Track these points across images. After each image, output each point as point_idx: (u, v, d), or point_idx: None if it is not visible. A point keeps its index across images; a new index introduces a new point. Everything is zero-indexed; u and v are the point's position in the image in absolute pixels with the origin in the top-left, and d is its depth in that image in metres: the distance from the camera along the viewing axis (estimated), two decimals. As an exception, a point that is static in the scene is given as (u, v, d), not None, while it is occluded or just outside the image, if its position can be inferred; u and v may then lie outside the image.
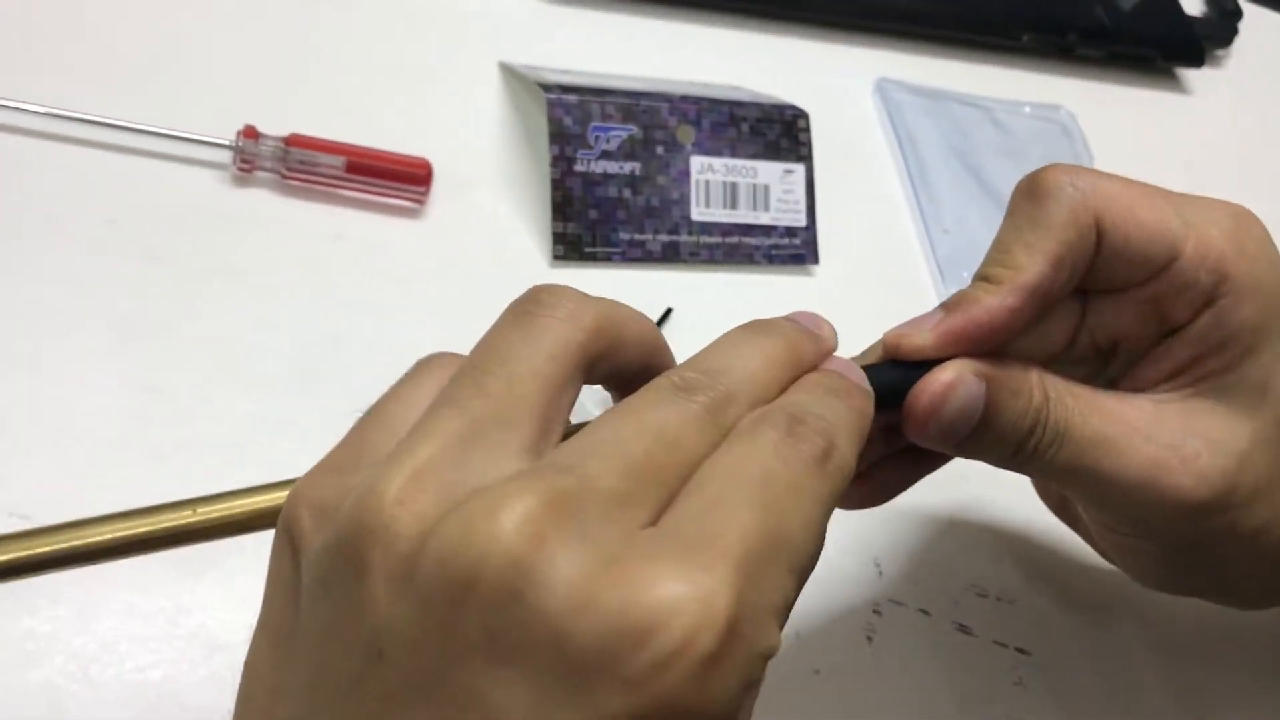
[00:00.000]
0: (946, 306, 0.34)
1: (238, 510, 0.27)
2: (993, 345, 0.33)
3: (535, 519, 0.21)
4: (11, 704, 0.35)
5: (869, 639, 0.44)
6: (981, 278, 0.34)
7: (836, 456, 0.26)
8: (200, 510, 0.27)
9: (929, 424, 0.33)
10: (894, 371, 0.33)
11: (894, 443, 0.37)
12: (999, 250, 0.34)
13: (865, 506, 0.39)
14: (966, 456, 0.35)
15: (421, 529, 0.22)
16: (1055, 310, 0.35)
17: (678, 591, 0.21)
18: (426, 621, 0.21)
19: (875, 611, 0.44)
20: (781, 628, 0.24)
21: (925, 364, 0.33)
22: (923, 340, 0.33)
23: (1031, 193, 0.34)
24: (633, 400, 0.26)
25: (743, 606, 0.21)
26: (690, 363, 0.27)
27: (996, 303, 0.33)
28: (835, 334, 0.31)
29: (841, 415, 0.27)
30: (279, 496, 0.26)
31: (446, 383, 0.25)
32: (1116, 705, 0.44)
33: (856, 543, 0.46)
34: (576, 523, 0.22)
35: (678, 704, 0.21)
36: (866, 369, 0.32)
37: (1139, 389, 0.36)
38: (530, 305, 0.26)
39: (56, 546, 0.27)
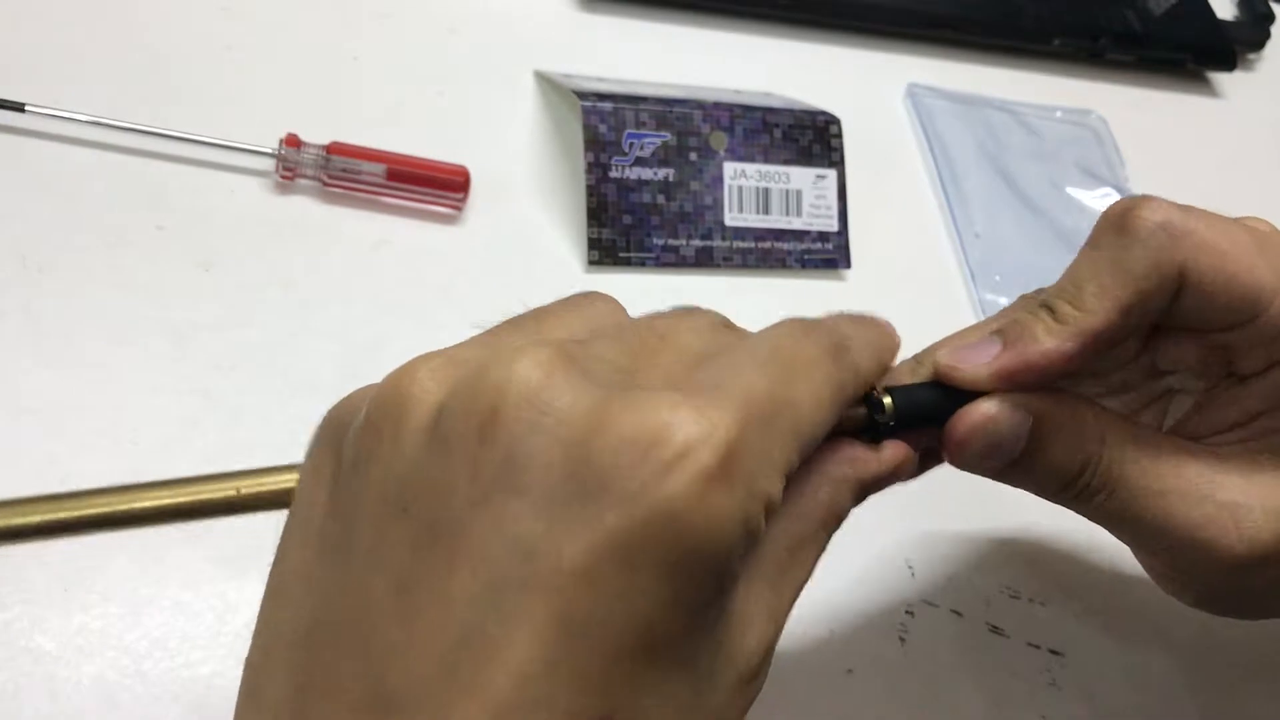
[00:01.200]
0: (1004, 337, 0.33)
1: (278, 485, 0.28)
2: (1045, 384, 0.33)
3: (549, 361, 0.22)
4: (66, 697, 0.36)
5: (902, 639, 0.44)
6: (1047, 307, 0.33)
7: (851, 355, 0.27)
8: (243, 487, 0.28)
9: (964, 453, 0.32)
10: (937, 392, 0.33)
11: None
12: (1072, 283, 0.33)
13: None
14: (1009, 484, 0.34)
15: (447, 388, 0.23)
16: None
17: (683, 414, 0.22)
18: (446, 467, 0.22)
19: (908, 612, 0.45)
20: (782, 486, 0.24)
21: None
22: (975, 375, 0.32)
23: (1120, 228, 0.32)
24: (648, 315, 0.28)
25: (744, 440, 0.22)
26: None
27: (1055, 346, 0.32)
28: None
29: (861, 332, 0.29)
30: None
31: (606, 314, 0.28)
32: (1150, 707, 0.44)
33: (889, 543, 0.47)
34: (585, 367, 0.23)
35: (676, 516, 0.21)
36: (911, 387, 0.32)
37: (1199, 433, 0.35)
38: (577, 296, 0.29)
39: (106, 509, 0.28)
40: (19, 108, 0.48)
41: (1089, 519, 0.36)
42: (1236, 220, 0.34)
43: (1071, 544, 0.49)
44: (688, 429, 0.21)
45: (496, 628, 0.21)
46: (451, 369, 0.23)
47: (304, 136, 0.50)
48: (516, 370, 0.22)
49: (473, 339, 0.26)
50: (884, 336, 0.30)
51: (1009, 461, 0.33)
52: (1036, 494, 0.35)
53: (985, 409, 0.32)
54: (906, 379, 0.33)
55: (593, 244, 0.52)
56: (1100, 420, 0.33)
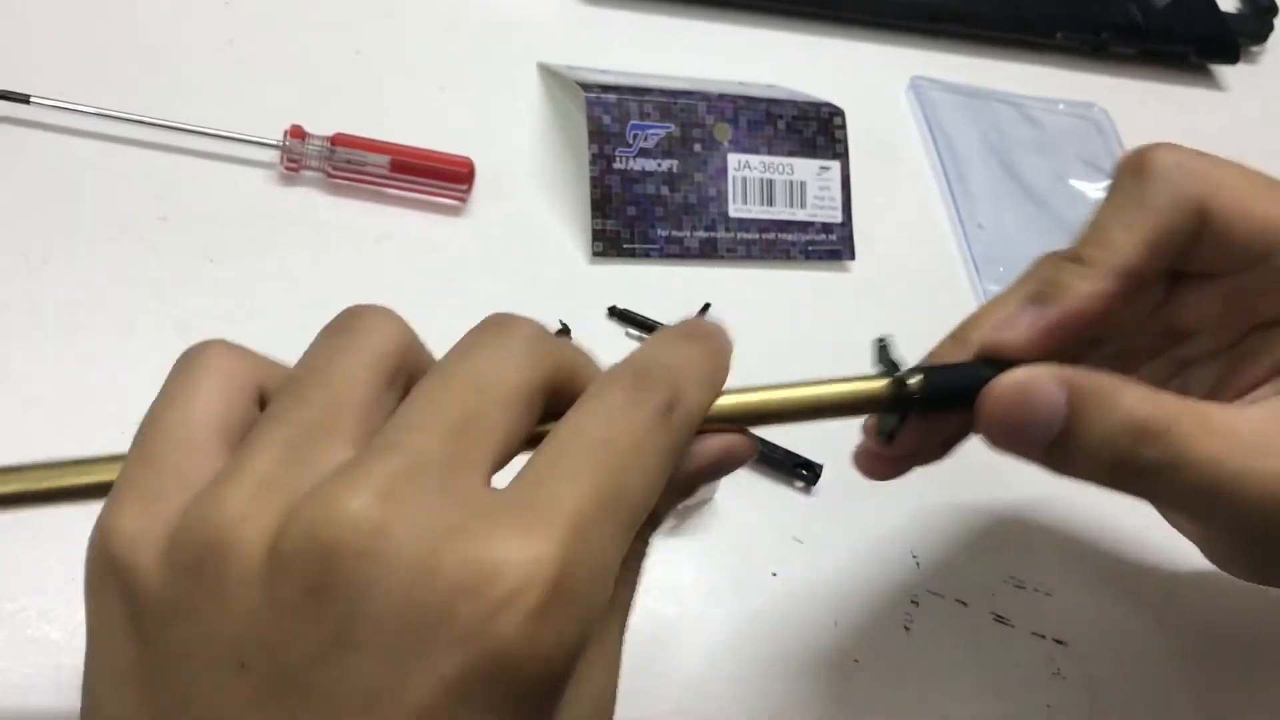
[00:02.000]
0: (1036, 299, 0.32)
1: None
2: (1090, 334, 0.32)
3: (372, 506, 0.22)
4: (73, 688, 0.35)
5: (907, 629, 0.44)
6: (1073, 258, 0.32)
7: (681, 407, 0.26)
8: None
9: (998, 429, 0.31)
10: (965, 371, 0.32)
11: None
12: (1095, 229, 0.33)
13: (888, 477, 0.37)
14: (1060, 473, 0.33)
15: (268, 538, 0.22)
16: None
17: (509, 551, 0.22)
18: (282, 625, 0.22)
19: (913, 602, 0.45)
20: (614, 582, 0.24)
21: (1001, 364, 0.32)
22: (1020, 340, 0.32)
23: (1138, 170, 0.33)
24: (443, 359, 0.26)
25: (571, 565, 0.22)
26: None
27: (1090, 288, 0.32)
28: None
29: (692, 360, 0.28)
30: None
31: (231, 392, 0.26)
32: (1155, 696, 0.44)
33: (894, 534, 0.47)
34: (411, 498, 0.22)
35: (507, 655, 0.21)
36: (937, 368, 0.32)
37: (1238, 391, 0.34)
38: (345, 321, 0.27)
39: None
40: (24, 99, 0.48)
41: (1157, 503, 0.35)
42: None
43: (1076, 534, 0.49)
44: (514, 569, 0.22)
45: None
46: (268, 508, 0.23)
47: (309, 128, 0.50)
48: (343, 524, 0.22)
49: (270, 431, 0.24)
50: (711, 357, 0.29)
51: (1049, 438, 0.31)
52: (1093, 481, 0.33)
53: (1014, 378, 0.31)
54: (949, 357, 0.33)
55: (597, 235, 0.52)
56: (1153, 394, 0.31)
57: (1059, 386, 0.31)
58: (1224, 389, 0.35)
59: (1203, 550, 0.39)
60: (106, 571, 0.24)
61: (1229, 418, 0.32)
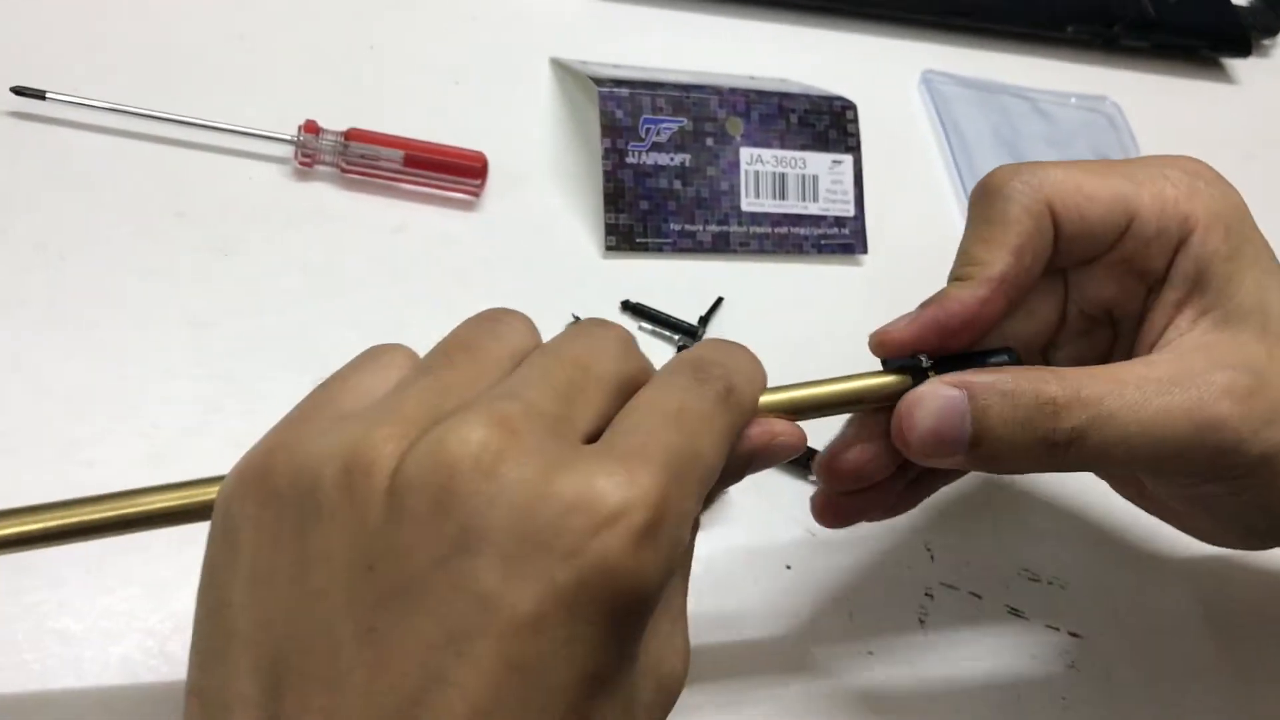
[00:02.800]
0: (923, 304, 0.37)
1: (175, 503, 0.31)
2: (972, 334, 0.36)
3: (492, 434, 0.25)
4: (93, 678, 0.36)
5: (921, 621, 0.44)
6: (955, 279, 0.37)
7: (736, 394, 0.30)
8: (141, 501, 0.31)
9: (910, 441, 0.34)
10: (977, 358, 0.36)
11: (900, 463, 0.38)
12: (963, 255, 0.37)
13: (875, 519, 0.41)
14: (997, 471, 0.36)
15: (405, 457, 0.25)
16: (1038, 292, 0.38)
17: (613, 481, 0.25)
18: (409, 532, 0.25)
19: (927, 594, 0.45)
20: (693, 533, 0.28)
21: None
22: (899, 333, 0.36)
23: (985, 196, 0.37)
24: (552, 341, 0.30)
25: (667, 498, 0.25)
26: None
27: (967, 294, 0.36)
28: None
29: (739, 362, 0.31)
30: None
31: (405, 361, 0.30)
32: (1170, 688, 0.44)
33: (908, 526, 0.47)
34: (526, 435, 0.25)
35: (611, 568, 0.24)
36: (951, 357, 0.35)
37: (1149, 347, 0.38)
38: (494, 314, 0.31)
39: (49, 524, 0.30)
40: (40, 95, 0.48)
41: (1100, 468, 0.38)
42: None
43: (1090, 526, 0.49)
44: (620, 493, 0.25)
45: (455, 669, 0.24)
46: (406, 434, 0.26)
47: (322, 123, 0.50)
48: (467, 446, 0.25)
49: (420, 381, 0.28)
50: (754, 363, 0.32)
51: (965, 438, 0.34)
52: (1031, 468, 0.36)
53: (913, 391, 0.35)
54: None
55: (610, 229, 0.52)
56: (1052, 374, 0.35)
57: (955, 387, 0.34)
58: (1140, 350, 0.38)
59: (1190, 531, 0.41)
60: (262, 485, 0.27)
61: (1136, 367, 0.35)
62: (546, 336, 0.31)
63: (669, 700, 0.29)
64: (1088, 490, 0.49)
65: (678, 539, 0.26)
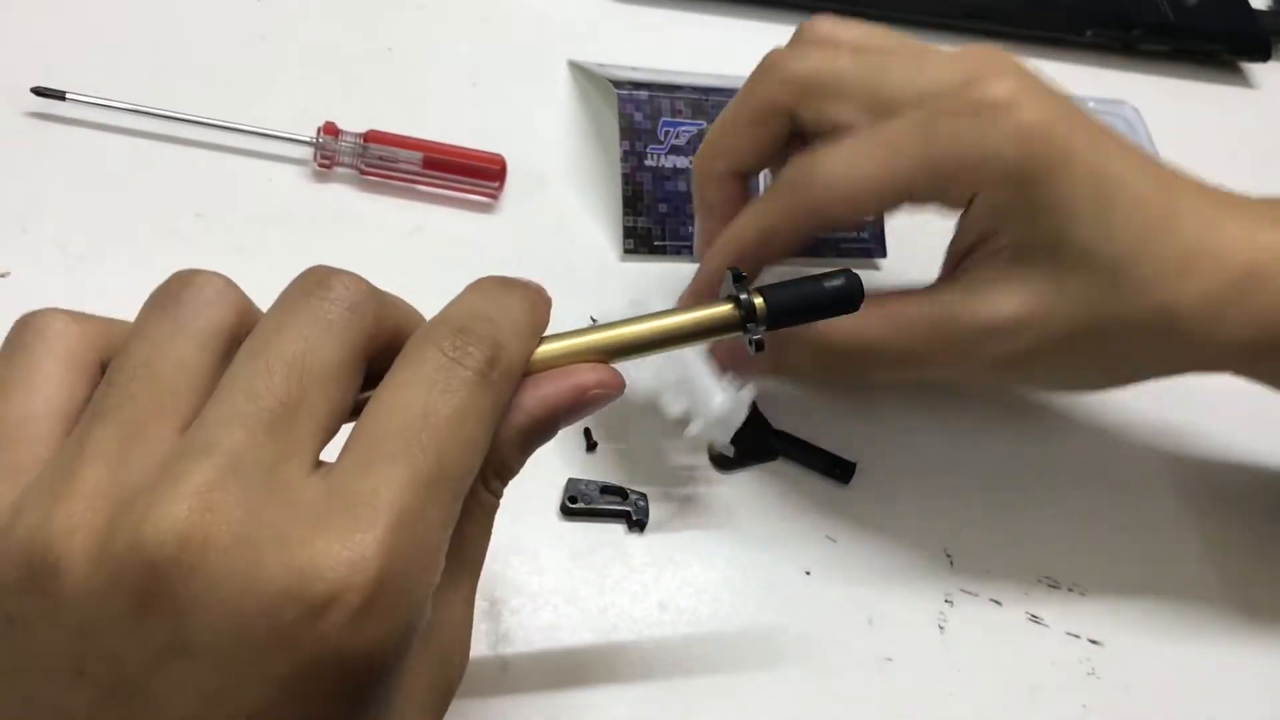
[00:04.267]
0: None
1: None
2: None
3: (192, 518, 0.22)
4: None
5: (941, 628, 0.44)
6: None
7: (502, 360, 0.27)
8: None
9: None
10: (805, 286, 0.35)
11: None
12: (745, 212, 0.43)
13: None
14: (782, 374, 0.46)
15: (96, 550, 0.22)
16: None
17: (329, 555, 0.22)
18: (114, 635, 0.22)
19: (947, 601, 0.45)
20: (445, 550, 0.25)
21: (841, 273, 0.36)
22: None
23: (781, 183, 0.42)
24: (258, 332, 0.26)
25: (392, 560, 0.23)
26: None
27: (713, 266, 0.44)
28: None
29: (510, 308, 0.28)
30: None
31: (56, 377, 0.25)
32: (1191, 697, 0.44)
33: (927, 532, 0.46)
34: (231, 508, 0.23)
35: (334, 654, 0.22)
36: (777, 286, 0.34)
37: (958, 262, 0.43)
38: (171, 290, 0.27)
39: None
40: (60, 96, 0.48)
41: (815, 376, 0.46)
42: None
43: (1110, 533, 0.48)
44: (336, 572, 0.22)
45: None
46: (90, 519, 0.23)
47: (341, 125, 0.50)
48: (163, 535, 0.22)
49: (96, 433, 0.24)
50: (529, 303, 0.29)
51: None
52: (805, 372, 0.46)
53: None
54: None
55: (628, 233, 0.52)
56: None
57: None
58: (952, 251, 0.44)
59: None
60: None
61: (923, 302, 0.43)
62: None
63: (446, 700, 0.28)
64: (1109, 497, 0.49)
65: (414, 592, 0.24)
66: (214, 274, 0.27)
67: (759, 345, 0.34)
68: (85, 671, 0.23)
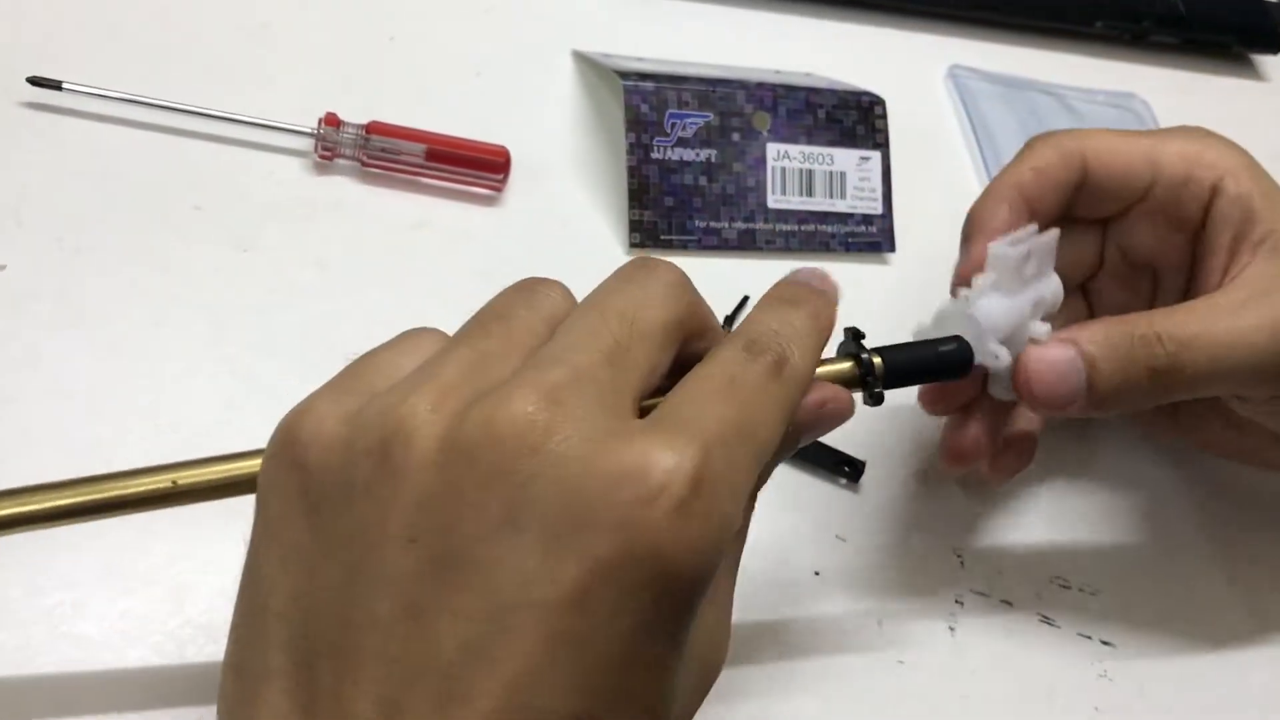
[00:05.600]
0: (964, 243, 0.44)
1: (217, 475, 0.30)
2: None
3: (540, 407, 0.25)
4: (110, 681, 0.35)
5: (951, 629, 0.43)
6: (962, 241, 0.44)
7: (789, 367, 0.29)
8: (180, 479, 0.30)
9: (1038, 398, 0.38)
10: (920, 349, 0.37)
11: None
12: (967, 219, 0.44)
13: (998, 482, 0.46)
14: (1111, 410, 0.39)
15: (446, 429, 0.25)
16: (1074, 236, 0.43)
17: (659, 453, 0.24)
18: (452, 506, 0.24)
19: (957, 602, 0.44)
20: (747, 509, 0.28)
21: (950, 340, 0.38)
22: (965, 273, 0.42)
23: (1027, 145, 0.43)
24: (593, 294, 0.30)
25: (714, 470, 0.25)
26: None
27: (985, 218, 0.42)
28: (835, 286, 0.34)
29: (796, 325, 0.30)
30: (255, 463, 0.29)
31: (440, 342, 0.29)
32: (1204, 698, 0.44)
33: (938, 533, 0.46)
34: (574, 406, 0.25)
35: (656, 544, 0.24)
36: (894, 347, 0.36)
37: (1216, 287, 0.41)
38: (529, 283, 0.31)
39: (67, 500, 0.30)
40: (56, 85, 0.47)
41: (1195, 394, 0.40)
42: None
43: (1122, 534, 0.48)
44: (665, 465, 0.24)
45: (496, 643, 0.23)
46: (445, 404, 0.25)
47: (343, 116, 0.49)
48: (514, 416, 0.25)
49: (456, 351, 0.27)
50: (814, 320, 0.31)
51: (1083, 391, 0.38)
52: (1138, 404, 0.39)
53: (1029, 359, 0.38)
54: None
55: (634, 226, 0.51)
56: (1140, 318, 0.39)
57: (1067, 347, 0.38)
58: (1202, 291, 0.42)
59: (1269, 462, 0.46)
60: (289, 454, 0.26)
61: (1214, 297, 0.40)
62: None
63: (707, 688, 0.29)
64: (1121, 497, 0.49)
65: (728, 514, 0.25)
66: (559, 282, 0.31)
67: (878, 399, 0.35)
68: (417, 540, 0.24)
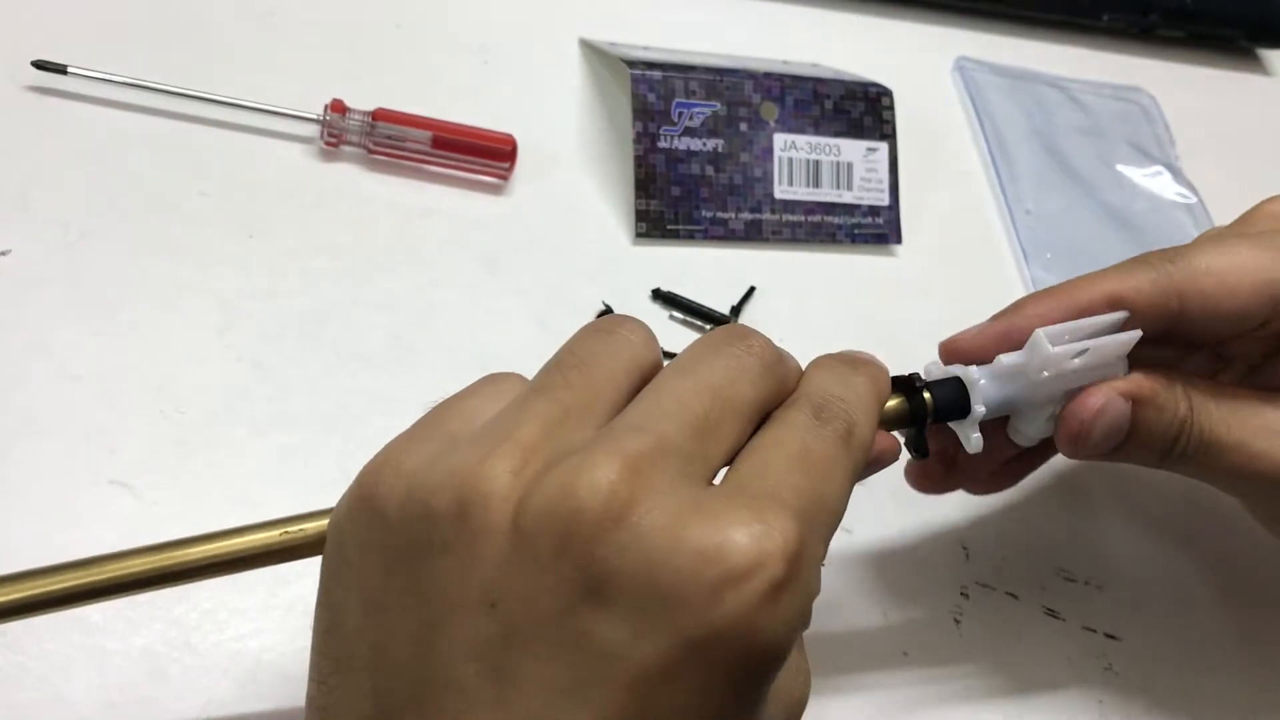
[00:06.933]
0: (996, 315, 0.38)
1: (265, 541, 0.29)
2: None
3: (621, 477, 0.24)
4: (115, 670, 0.35)
5: (957, 621, 0.43)
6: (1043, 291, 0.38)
7: (857, 433, 0.29)
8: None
9: (1080, 444, 0.36)
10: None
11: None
12: (1070, 280, 0.38)
13: (990, 492, 0.44)
14: (1113, 461, 0.38)
15: (526, 492, 0.24)
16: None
17: (752, 529, 0.24)
18: (533, 575, 0.24)
19: (963, 594, 0.44)
20: (820, 573, 0.27)
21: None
22: (968, 342, 0.37)
23: (1133, 259, 0.38)
24: (685, 360, 0.29)
25: (803, 549, 0.24)
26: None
27: (1044, 308, 0.36)
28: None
29: (859, 390, 0.30)
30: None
31: (520, 388, 0.28)
32: (1208, 691, 0.44)
33: (943, 526, 0.46)
34: (657, 478, 0.24)
35: (746, 624, 0.23)
36: (940, 382, 0.35)
37: (1274, 385, 0.38)
38: (609, 325, 0.30)
39: (150, 565, 0.29)
40: (61, 70, 0.47)
41: (1193, 477, 0.38)
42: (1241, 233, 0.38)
43: (1128, 527, 0.48)
44: (756, 546, 0.24)
45: (578, 715, 0.23)
46: (524, 465, 0.25)
47: (349, 103, 0.49)
48: (596, 487, 0.24)
49: (536, 405, 0.27)
50: (874, 384, 0.31)
51: (1118, 443, 0.36)
52: (1140, 464, 0.38)
53: (1091, 402, 0.35)
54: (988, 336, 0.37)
55: (640, 216, 0.51)
56: (1187, 389, 0.37)
57: (1125, 400, 0.36)
58: (1268, 375, 0.39)
59: (1254, 514, 0.42)
60: (370, 505, 0.26)
61: (1257, 405, 0.37)
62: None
63: None
64: (1127, 491, 0.49)
65: (811, 590, 0.25)
66: (639, 320, 0.30)
67: (920, 450, 0.36)
68: (498, 605, 0.24)
